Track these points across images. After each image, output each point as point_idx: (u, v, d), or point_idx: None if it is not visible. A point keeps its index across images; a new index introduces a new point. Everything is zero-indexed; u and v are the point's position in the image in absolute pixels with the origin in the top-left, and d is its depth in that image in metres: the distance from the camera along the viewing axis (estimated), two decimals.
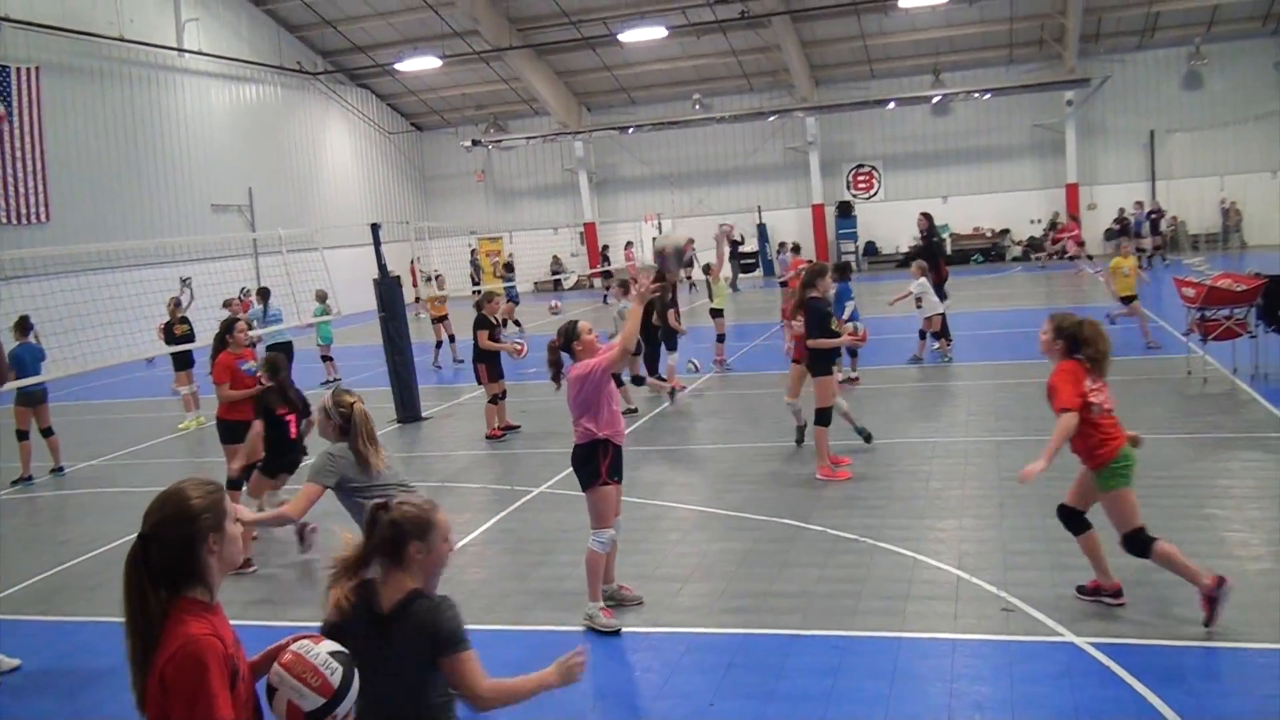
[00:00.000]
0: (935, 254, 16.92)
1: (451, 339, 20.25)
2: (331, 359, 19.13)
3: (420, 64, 33.65)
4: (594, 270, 35.63)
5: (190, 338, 15.85)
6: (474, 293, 19.76)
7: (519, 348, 13.55)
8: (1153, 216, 30.91)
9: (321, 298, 18.36)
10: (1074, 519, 6.41)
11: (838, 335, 10.05)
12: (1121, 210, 31.71)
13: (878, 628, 6.39)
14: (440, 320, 20.37)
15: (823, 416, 9.87)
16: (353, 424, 5.75)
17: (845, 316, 13.11)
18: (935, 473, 9.83)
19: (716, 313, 16.77)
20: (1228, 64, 33.07)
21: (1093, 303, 22.00)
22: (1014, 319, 20.14)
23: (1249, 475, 9.17)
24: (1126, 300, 15.60)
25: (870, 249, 36.61)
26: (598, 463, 6.58)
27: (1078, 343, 6.19)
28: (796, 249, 23.06)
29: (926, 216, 17.61)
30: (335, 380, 18.70)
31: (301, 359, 17.09)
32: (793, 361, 11.09)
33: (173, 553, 2.90)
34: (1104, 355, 6.20)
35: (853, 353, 14.58)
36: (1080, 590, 6.52)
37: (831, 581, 7.20)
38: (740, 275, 33.44)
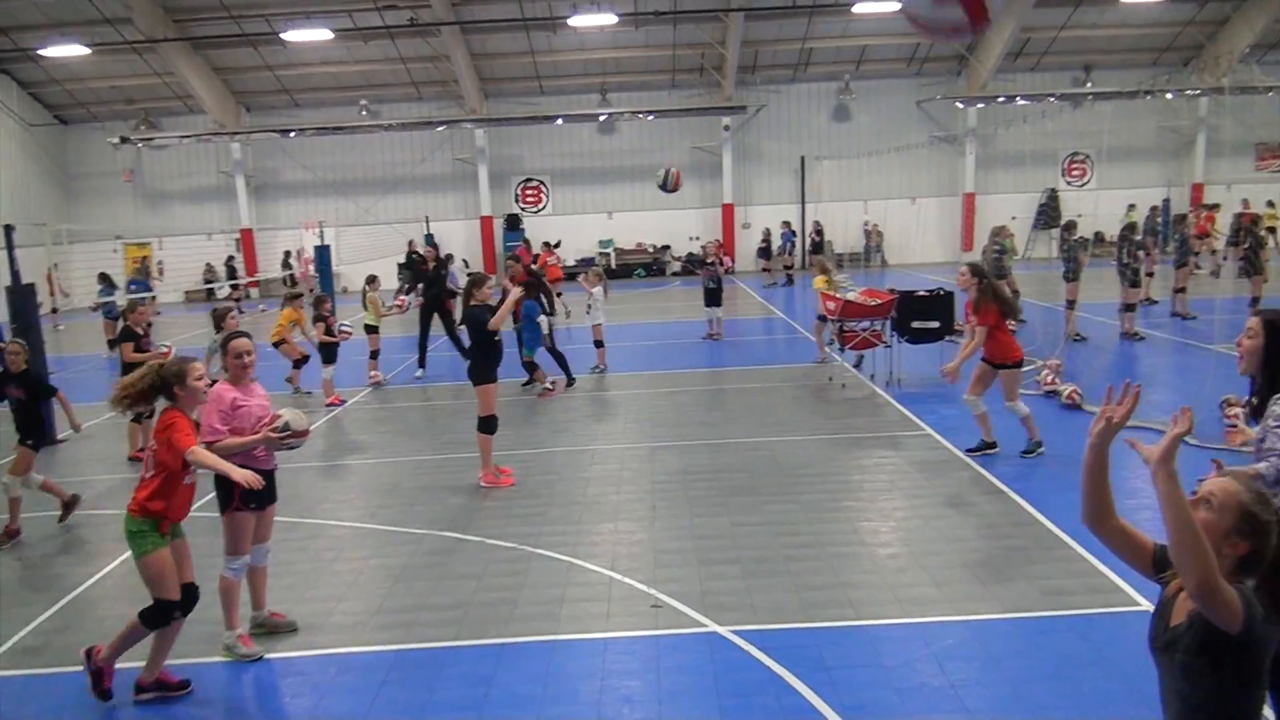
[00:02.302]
0: (435, 282, 17.24)
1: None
2: None
3: (66, 51, 30.57)
4: (251, 280, 33.92)
5: None
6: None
7: (165, 352, 12.65)
8: (815, 239, 33.23)
9: None
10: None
11: (499, 340, 10.03)
12: (767, 230, 34.04)
13: (533, 632, 6.45)
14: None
15: (486, 424, 9.93)
16: None
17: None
18: (593, 479, 10.06)
19: (371, 329, 16.46)
20: (874, 100, 36.21)
21: (748, 314, 23.33)
22: (672, 331, 21.01)
23: (880, 471, 9.98)
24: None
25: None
26: (232, 488, 6.13)
27: (168, 385, 5.90)
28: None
29: (434, 246, 18.27)
30: None
31: None
32: (984, 361, 10.17)
33: None
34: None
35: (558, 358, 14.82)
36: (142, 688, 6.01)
37: (489, 590, 7.20)
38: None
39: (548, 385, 14.69)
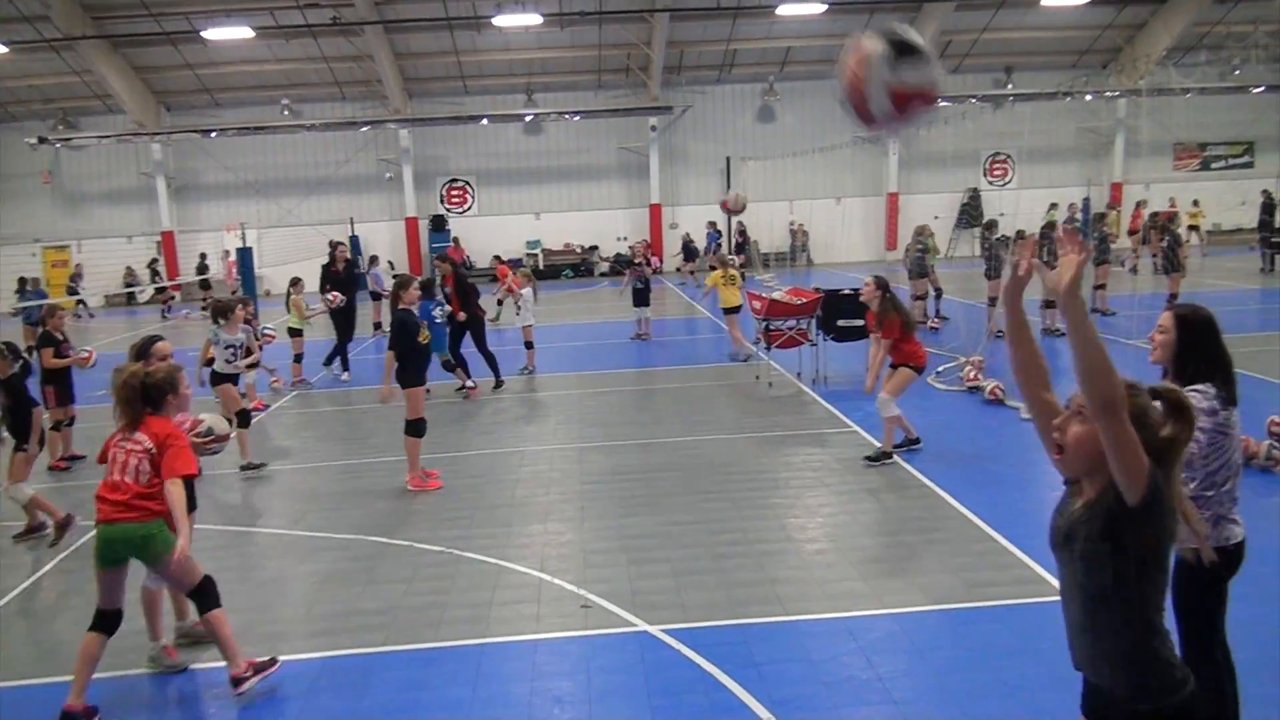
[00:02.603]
0: (349, 283, 17.16)
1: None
2: None
3: None
4: (172, 283, 33.23)
5: None
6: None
7: (86, 357, 12.33)
8: (740, 239, 33.46)
9: None
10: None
11: (427, 347, 10.07)
12: (688, 234, 34.29)
13: (463, 636, 6.40)
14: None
15: (414, 428, 9.85)
16: None
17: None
18: (522, 480, 10.01)
19: (295, 332, 16.25)
20: (798, 100, 36.53)
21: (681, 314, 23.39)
22: (600, 331, 21.00)
23: (807, 467, 10.06)
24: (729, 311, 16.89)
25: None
26: None
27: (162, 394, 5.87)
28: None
29: (342, 245, 18.10)
30: None
31: None
32: (890, 366, 10.27)
33: None
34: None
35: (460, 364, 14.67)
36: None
37: (418, 594, 7.13)
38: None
39: (469, 384, 14.60)
